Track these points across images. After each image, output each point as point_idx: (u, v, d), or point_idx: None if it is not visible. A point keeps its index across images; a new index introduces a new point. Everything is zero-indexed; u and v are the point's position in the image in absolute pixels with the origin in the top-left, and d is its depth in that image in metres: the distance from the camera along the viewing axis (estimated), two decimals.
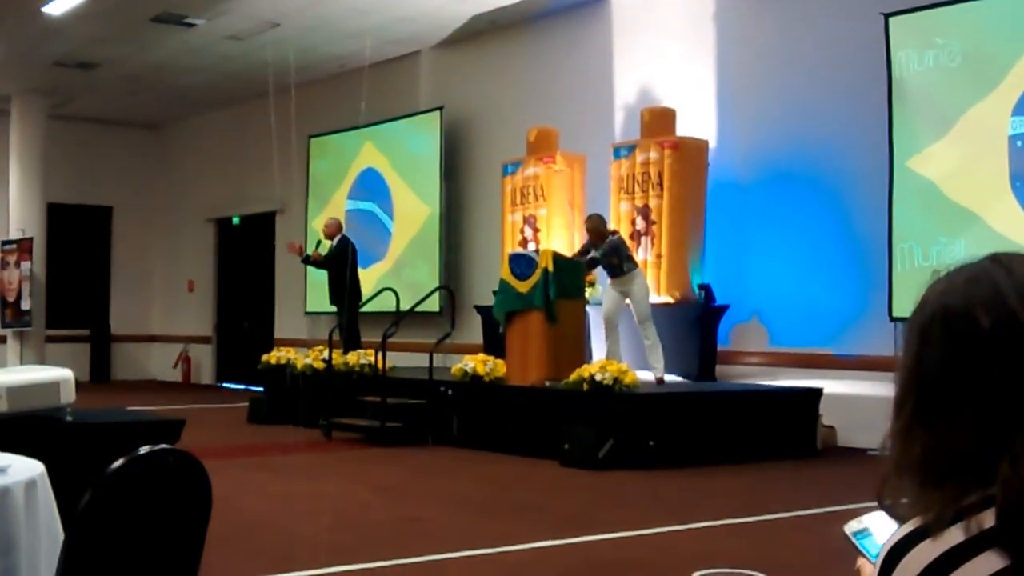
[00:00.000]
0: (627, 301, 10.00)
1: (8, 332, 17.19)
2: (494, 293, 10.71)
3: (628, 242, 11.10)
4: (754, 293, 10.84)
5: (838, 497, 6.85)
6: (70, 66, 15.36)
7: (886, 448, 1.23)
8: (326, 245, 12.63)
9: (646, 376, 9.72)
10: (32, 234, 16.88)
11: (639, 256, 10.97)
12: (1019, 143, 8.83)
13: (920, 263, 9.22)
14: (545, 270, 9.74)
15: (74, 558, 2.36)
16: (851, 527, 1.37)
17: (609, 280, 10.12)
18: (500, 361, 10.08)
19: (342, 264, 12.28)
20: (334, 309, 12.71)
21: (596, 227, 10.08)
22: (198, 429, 7.92)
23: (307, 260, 12.81)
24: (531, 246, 11.98)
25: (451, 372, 10.29)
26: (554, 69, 13.16)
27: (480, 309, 12.56)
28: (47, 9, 12.63)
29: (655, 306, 10.73)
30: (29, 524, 2.88)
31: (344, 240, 12.61)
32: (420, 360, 10.93)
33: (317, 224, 15.51)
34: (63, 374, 5.30)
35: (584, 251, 10.27)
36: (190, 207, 19.35)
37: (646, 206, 10.96)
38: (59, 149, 17.69)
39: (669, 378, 10.26)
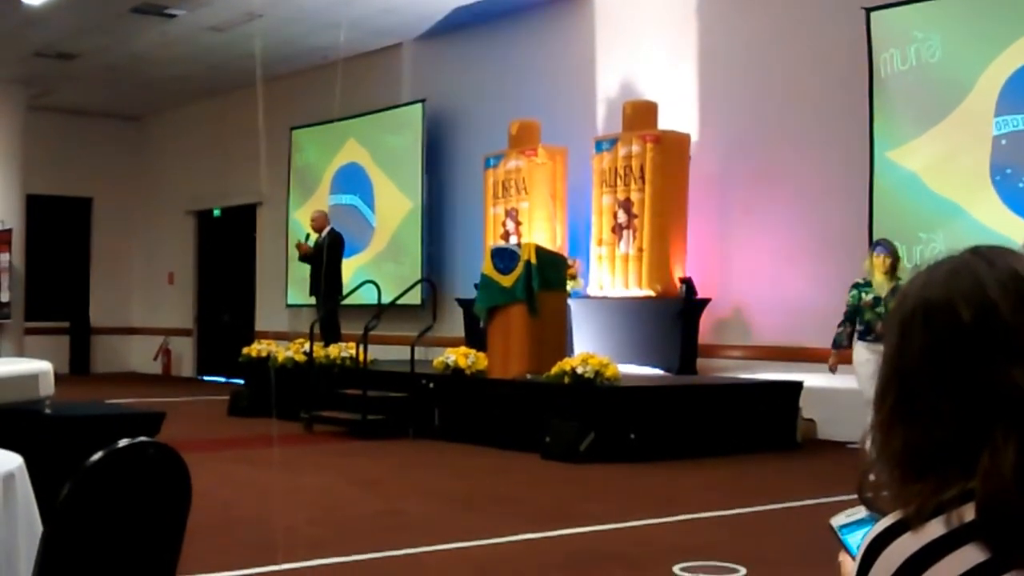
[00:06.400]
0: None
1: None
2: (476, 287, 10.70)
3: (610, 236, 11.12)
4: (735, 287, 10.86)
5: (818, 490, 6.87)
6: (50, 56, 15.24)
7: (867, 441, 1.23)
8: (314, 238, 12.64)
9: (629, 370, 9.73)
10: (11, 225, 16.77)
11: (621, 250, 10.97)
12: (1003, 142, 8.87)
13: (905, 265, 9.24)
14: (528, 263, 9.72)
15: (53, 551, 2.34)
16: (838, 520, 1.37)
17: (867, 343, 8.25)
18: (481, 354, 10.07)
19: (322, 257, 12.29)
20: (314, 301, 12.70)
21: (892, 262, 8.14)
22: (178, 422, 7.90)
23: (304, 258, 12.76)
24: (513, 239, 11.97)
25: (433, 365, 10.28)
26: (537, 62, 13.14)
27: (462, 302, 12.55)
28: None
29: (637, 299, 10.77)
30: (7, 517, 2.87)
31: (330, 233, 12.61)
32: (402, 353, 10.90)
33: (299, 216, 15.49)
34: (42, 366, 5.27)
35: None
36: (170, 199, 19.25)
37: (628, 199, 10.96)
38: (38, 140, 17.56)
39: (649, 371, 10.28)
